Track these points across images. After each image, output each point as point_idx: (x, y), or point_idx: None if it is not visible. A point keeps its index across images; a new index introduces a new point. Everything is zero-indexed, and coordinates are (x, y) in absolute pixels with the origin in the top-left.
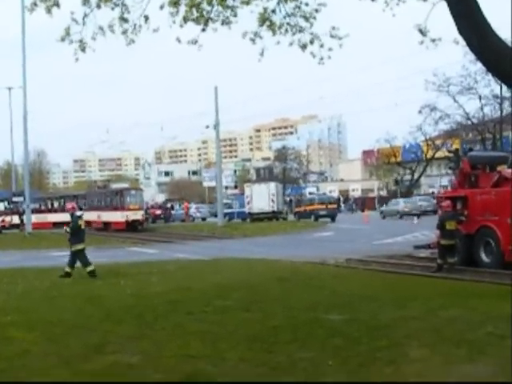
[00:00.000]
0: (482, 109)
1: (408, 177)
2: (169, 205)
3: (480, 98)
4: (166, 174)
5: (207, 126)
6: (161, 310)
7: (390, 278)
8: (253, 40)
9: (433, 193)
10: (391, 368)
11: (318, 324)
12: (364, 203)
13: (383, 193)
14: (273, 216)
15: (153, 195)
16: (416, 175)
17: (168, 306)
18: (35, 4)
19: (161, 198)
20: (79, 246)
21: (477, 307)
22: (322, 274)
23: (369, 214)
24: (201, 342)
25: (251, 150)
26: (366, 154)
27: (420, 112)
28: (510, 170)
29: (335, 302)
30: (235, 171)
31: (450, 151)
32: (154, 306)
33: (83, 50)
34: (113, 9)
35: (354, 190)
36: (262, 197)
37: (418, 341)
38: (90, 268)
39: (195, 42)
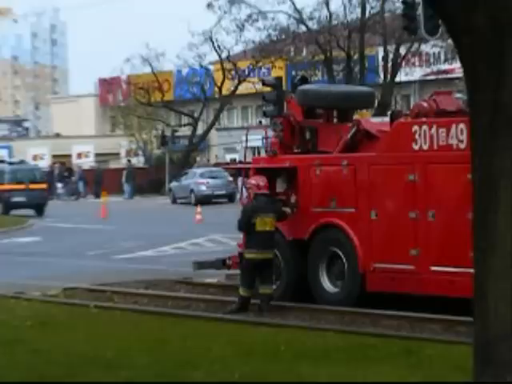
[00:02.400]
0: (326, 4)
1: (187, 130)
2: None
3: None
4: None
5: None
6: None
7: (149, 324)
8: None
9: (236, 161)
10: None
11: None
12: (101, 181)
13: (139, 160)
14: None
15: None
16: (201, 127)
17: None
18: None
19: None
20: None
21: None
22: (17, 317)
23: (107, 201)
24: None
25: None
26: (105, 85)
27: (209, 6)
28: (378, 120)
29: (44, 374)
30: None
31: (265, 82)
32: None
33: None
34: None
35: (82, 156)
36: None
37: None
38: None
39: None
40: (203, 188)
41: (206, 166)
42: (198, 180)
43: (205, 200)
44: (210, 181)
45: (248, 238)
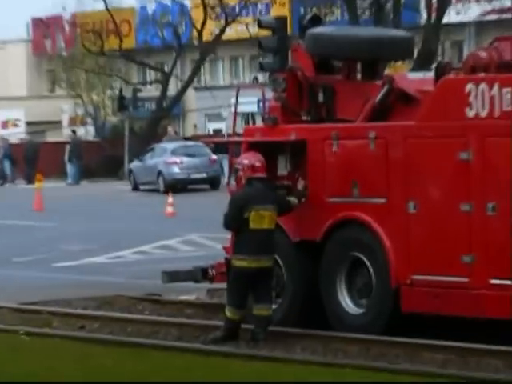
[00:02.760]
0: None
1: (154, 90)
2: None
3: None
4: None
5: None
6: None
7: (101, 356)
8: None
9: (222, 133)
10: None
11: None
12: (35, 159)
13: (87, 132)
14: None
15: None
16: (174, 85)
17: None
18: None
19: None
20: None
21: None
22: None
23: (43, 188)
24: None
25: None
26: (41, 27)
27: None
28: (418, 77)
29: None
30: None
31: (262, 24)
32: None
33: None
34: None
35: (8, 125)
36: None
37: None
38: None
39: None
40: (176, 170)
41: (178, 140)
42: (169, 159)
43: (178, 186)
44: (186, 160)
45: (238, 238)
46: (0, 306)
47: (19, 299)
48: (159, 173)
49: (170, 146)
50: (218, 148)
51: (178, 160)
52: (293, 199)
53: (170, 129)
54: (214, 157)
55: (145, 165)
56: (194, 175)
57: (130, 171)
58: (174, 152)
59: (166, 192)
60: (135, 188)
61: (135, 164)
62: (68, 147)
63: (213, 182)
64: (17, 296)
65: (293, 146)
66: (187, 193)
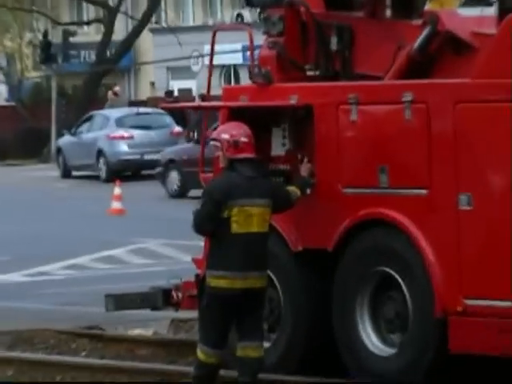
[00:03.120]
0: None
1: (94, 34)
2: None
3: None
4: None
5: None
6: None
7: None
8: None
9: (191, 95)
10: None
11: None
12: None
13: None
14: None
15: None
16: (122, 26)
17: None
18: None
19: None
20: None
21: None
22: None
23: None
24: None
25: None
26: None
27: None
28: (473, 14)
29: None
30: None
31: None
32: None
33: None
34: None
35: None
36: None
37: None
38: None
39: None
40: (124, 148)
41: (124, 105)
42: (114, 132)
43: (127, 172)
44: (137, 133)
45: (216, 247)
46: None
47: None
48: (100, 152)
49: (114, 113)
50: (176, 117)
51: (126, 134)
52: (293, 189)
53: (115, 90)
54: (178, 129)
55: (80, 141)
56: (150, 155)
57: (59, 150)
58: (120, 122)
59: (109, 180)
60: (66, 174)
61: (66, 140)
62: None
63: None
64: None
65: (294, 113)
66: (140, 181)
